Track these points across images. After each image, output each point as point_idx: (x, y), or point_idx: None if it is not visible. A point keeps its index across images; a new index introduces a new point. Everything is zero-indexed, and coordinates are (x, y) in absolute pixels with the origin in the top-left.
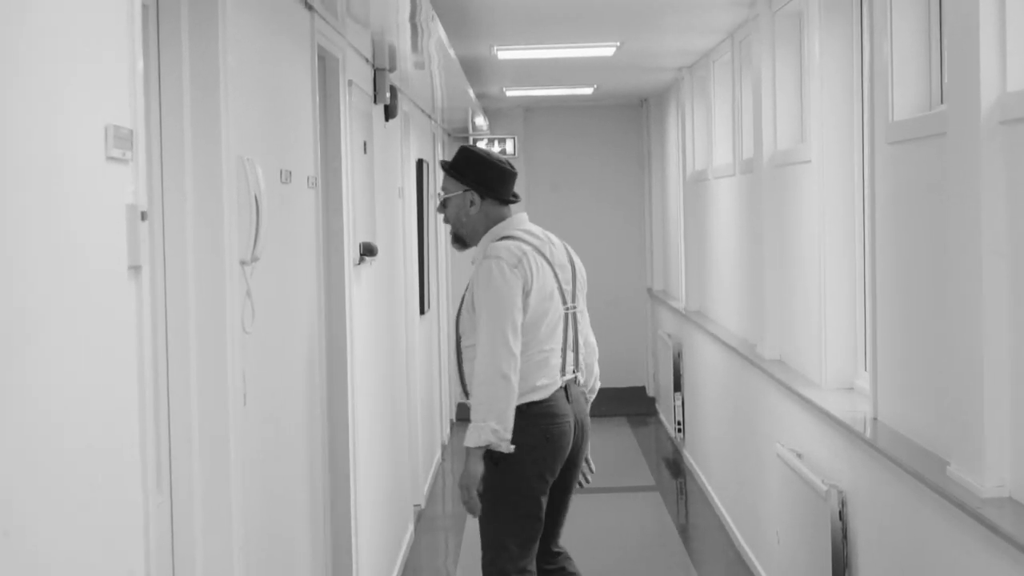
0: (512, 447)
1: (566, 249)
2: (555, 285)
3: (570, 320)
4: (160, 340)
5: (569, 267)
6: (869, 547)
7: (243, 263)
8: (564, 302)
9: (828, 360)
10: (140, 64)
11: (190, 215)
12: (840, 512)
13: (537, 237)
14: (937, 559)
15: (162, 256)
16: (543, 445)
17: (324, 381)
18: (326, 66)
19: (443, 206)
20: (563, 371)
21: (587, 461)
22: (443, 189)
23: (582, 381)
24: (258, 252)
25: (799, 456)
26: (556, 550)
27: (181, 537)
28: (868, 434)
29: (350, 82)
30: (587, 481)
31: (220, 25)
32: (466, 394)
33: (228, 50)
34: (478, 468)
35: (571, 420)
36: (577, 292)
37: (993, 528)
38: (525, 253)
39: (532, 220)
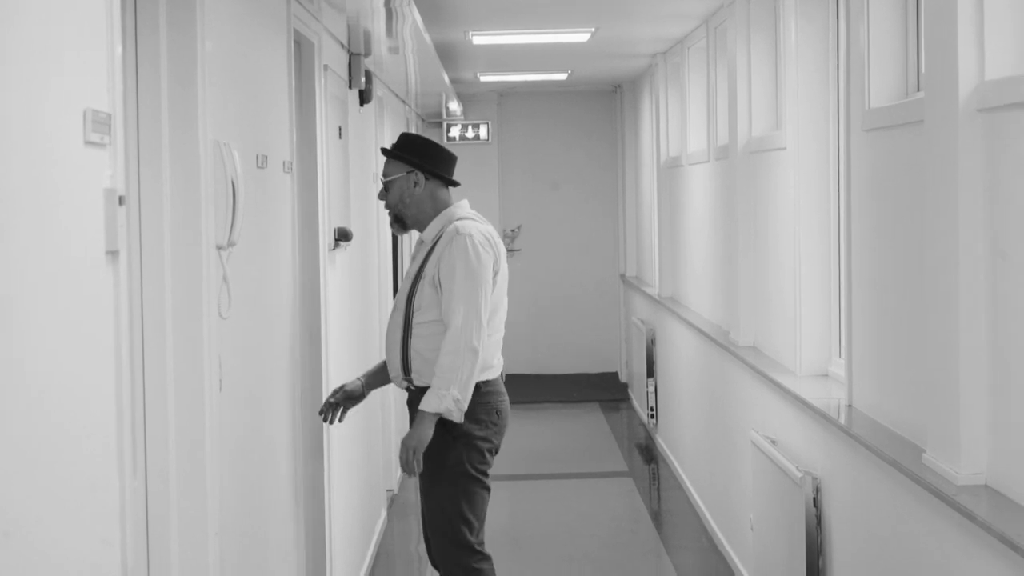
0: (462, 418)
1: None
2: (505, 271)
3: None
4: (136, 325)
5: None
6: (844, 534)
7: (220, 248)
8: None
9: (803, 347)
10: (119, 49)
11: (167, 200)
12: (814, 499)
13: (488, 222)
14: (912, 546)
15: (139, 241)
16: (496, 421)
17: (300, 366)
18: (302, 51)
19: (385, 190)
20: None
21: None
22: (384, 174)
23: None
24: (235, 237)
25: (773, 443)
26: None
27: (156, 521)
28: (843, 420)
29: (326, 67)
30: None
31: (198, 10)
32: (405, 370)
33: (205, 35)
34: (429, 433)
35: (506, 398)
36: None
37: (969, 515)
38: (492, 234)
39: (506, 205)
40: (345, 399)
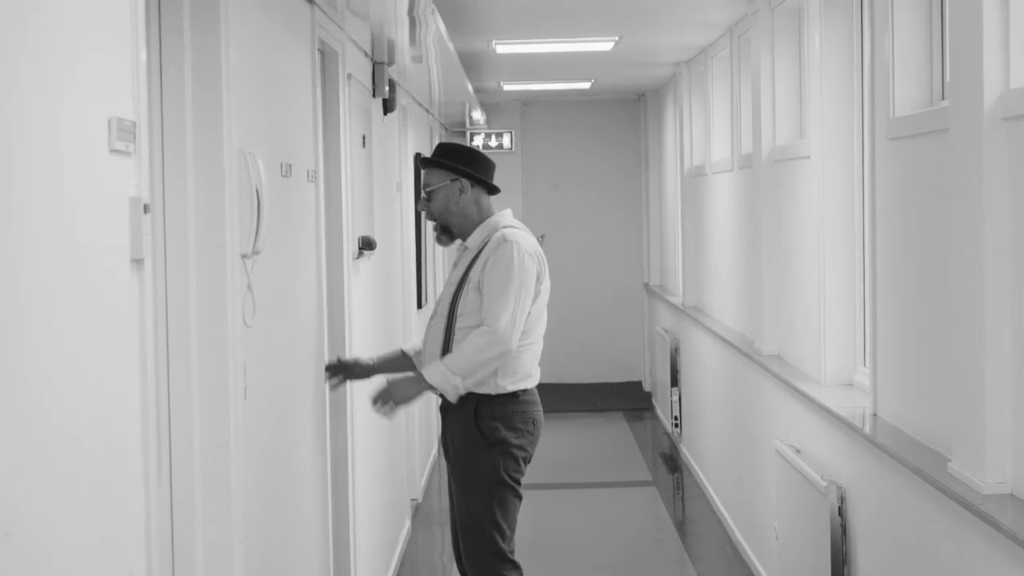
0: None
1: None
2: (548, 283)
3: None
4: (161, 334)
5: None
6: (869, 543)
7: (244, 257)
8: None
9: (827, 355)
10: (143, 56)
11: (192, 208)
12: (840, 508)
13: (530, 233)
14: (938, 555)
15: (163, 249)
16: (532, 430)
17: (324, 374)
18: (326, 59)
19: (428, 200)
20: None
21: None
22: (426, 184)
23: None
24: (259, 246)
25: (798, 452)
26: None
27: (181, 531)
28: (867, 430)
29: (349, 75)
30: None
31: (222, 18)
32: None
33: (230, 43)
34: (414, 396)
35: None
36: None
37: (995, 524)
38: (536, 246)
39: (530, 214)
40: (353, 365)
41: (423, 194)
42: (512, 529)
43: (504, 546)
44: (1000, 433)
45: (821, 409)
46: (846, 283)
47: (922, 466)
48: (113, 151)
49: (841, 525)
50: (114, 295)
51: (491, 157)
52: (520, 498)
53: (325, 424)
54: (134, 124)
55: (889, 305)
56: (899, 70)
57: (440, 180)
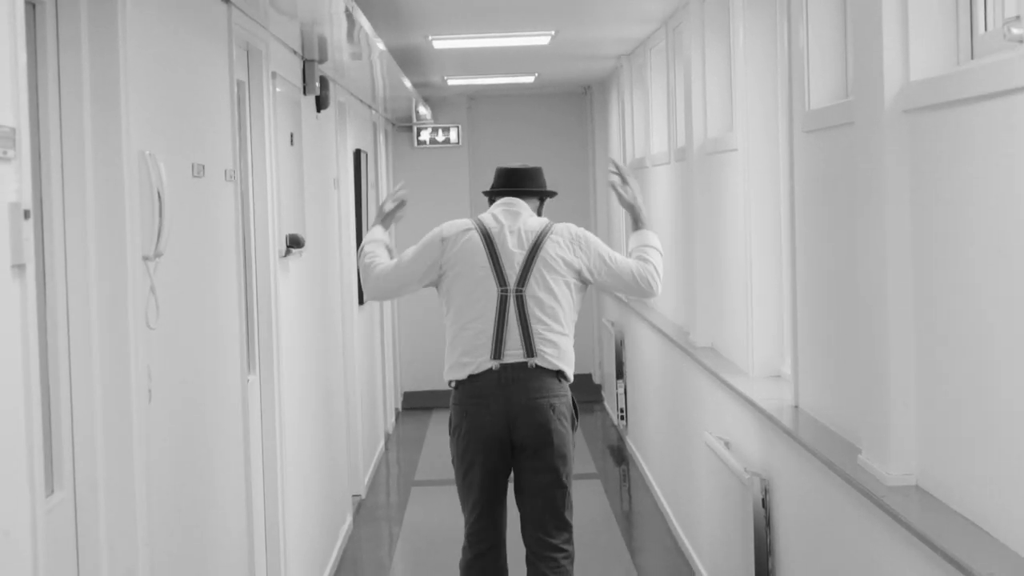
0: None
1: (536, 238)
2: (486, 267)
3: (511, 302)
4: (62, 337)
5: (523, 252)
6: (790, 534)
7: (146, 259)
8: (502, 284)
9: (755, 348)
10: (23, 60)
11: (91, 212)
12: (763, 499)
13: (496, 220)
14: (850, 547)
15: (63, 253)
16: (462, 424)
17: (245, 373)
18: (250, 58)
19: None
20: (496, 354)
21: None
22: None
23: (538, 365)
24: (162, 247)
25: (727, 444)
26: (548, 553)
27: (85, 533)
28: (787, 422)
29: (274, 74)
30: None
31: (120, 20)
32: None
33: (129, 46)
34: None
35: (494, 404)
36: (536, 275)
37: (895, 516)
38: (464, 231)
39: (477, 208)
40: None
41: None
42: (468, 513)
43: (465, 527)
44: (905, 424)
45: (747, 401)
46: (773, 275)
47: (834, 458)
48: None
49: (765, 516)
50: None
51: (431, 153)
52: (472, 486)
53: (249, 422)
54: (13, 130)
55: (807, 297)
56: (814, 63)
57: None
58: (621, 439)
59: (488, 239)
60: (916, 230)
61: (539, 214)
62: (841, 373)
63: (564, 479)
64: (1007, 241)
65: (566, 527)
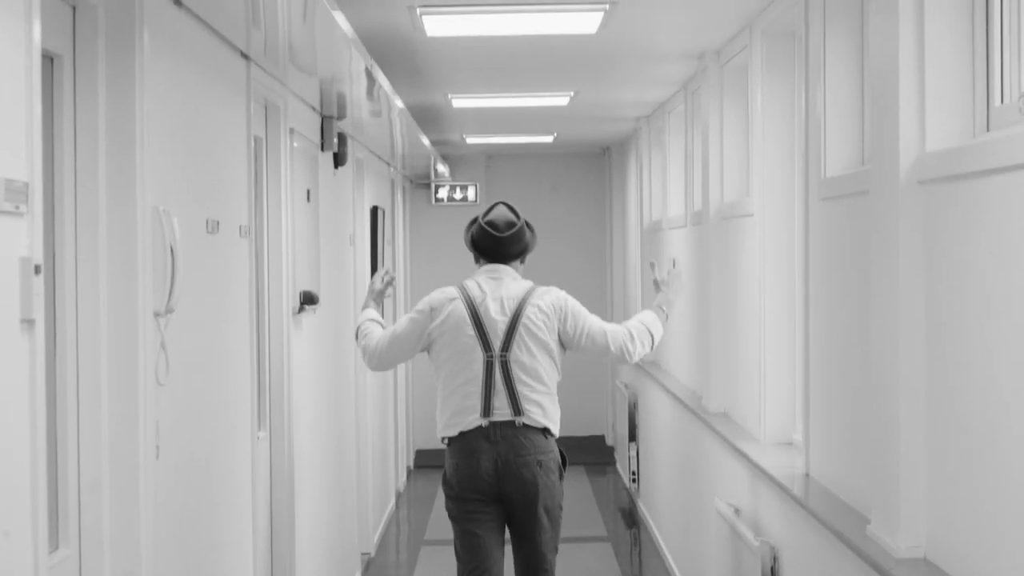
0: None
1: (519, 304)
2: (472, 335)
3: (497, 367)
4: (71, 391)
5: (506, 320)
6: None
7: (157, 315)
8: (487, 349)
9: (767, 414)
10: (38, 113)
11: (103, 266)
12: (772, 568)
13: (480, 288)
14: None
15: (75, 309)
16: (452, 476)
17: (256, 430)
18: (268, 114)
19: None
20: (485, 412)
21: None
22: None
23: (525, 423)
24: (173, 303)
25: (737, 511)
26: None
27: None
28: (797, 490)
29: (291, 130)
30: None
31: (137, 75)
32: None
33: (146, 100)
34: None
35: (484, 458)
36: (518, 344)
37: None
38: (450, 300)
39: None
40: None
41: None
42: (462, 562)
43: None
44: (914, 497)
45: (757, 468)
46: (786, 342)
47: (843, 529)
48: (1, 212)
49: None
50: (3, 355)
51: (448, 211)
52: (465, 533)
53: (257, 479)
54: (26, 185)
55: (820, 365)
56: (831, 130)
57: None
58: (633, 502)
59: (472, 308)
60: (929, 302)
61: (522, 262)
62: (852, 442)
63: (549, 525)
64: (1020, 315)
65: (548, 563)
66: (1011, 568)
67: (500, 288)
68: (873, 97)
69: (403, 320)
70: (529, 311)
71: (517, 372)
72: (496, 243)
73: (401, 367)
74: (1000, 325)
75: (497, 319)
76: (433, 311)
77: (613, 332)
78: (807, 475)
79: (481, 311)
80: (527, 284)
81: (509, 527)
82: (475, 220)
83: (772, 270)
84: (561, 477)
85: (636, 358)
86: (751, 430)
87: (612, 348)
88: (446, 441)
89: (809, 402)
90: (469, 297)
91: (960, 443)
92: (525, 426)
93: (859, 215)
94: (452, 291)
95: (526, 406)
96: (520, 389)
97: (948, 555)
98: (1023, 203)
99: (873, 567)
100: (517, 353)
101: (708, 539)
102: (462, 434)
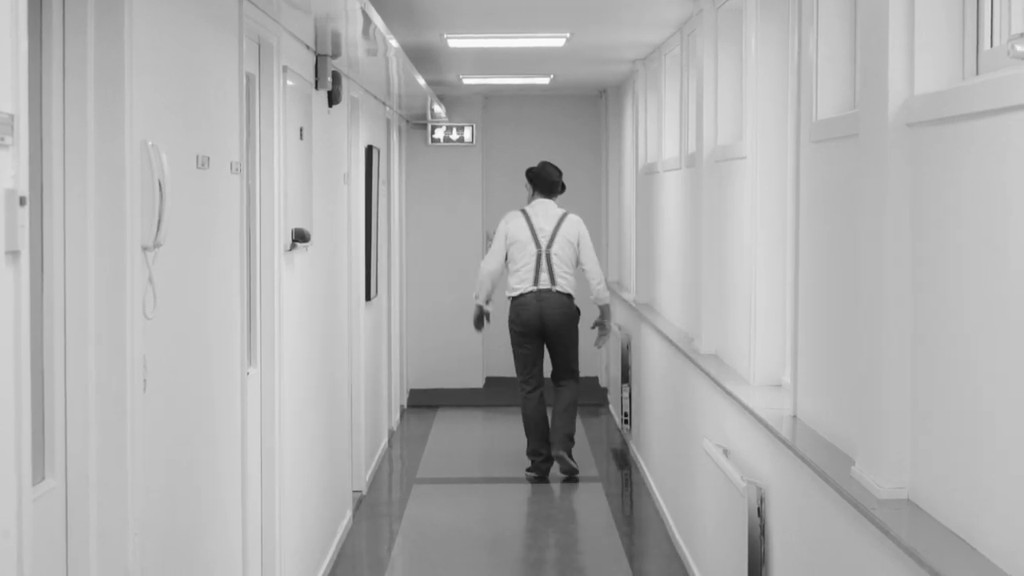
0: (483, 303)
1: (557, 222)
2: (529, 237)
3: (542, 257)
4: (58, 323)
5: (549, 230)
6: (784, 544)
7: (145, 249)
8: (537, 246)
9: (757, 356)
10: (23, 47)
11: (91, 200)
12: (759, 508)
13: (535, 212)
14: (842, 559)
15: (63, 241)
16: (515, 319)
17: (245, 366)
18: (261, 52)
19: None
20: (535, 282)
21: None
22: None
23: (557, 290)
24: (161, 238)
25: (725, 452)
26: (565, 379)
27: (75, 522)
28: (785, 432)
29: (285, 68)
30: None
31: (126, 9)
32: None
33: (135, 35)
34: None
35: (533, 307)
36: (556, 244)
37: (884, 530)
38: (514, 216)
39: (489, 207)
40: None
41: None
42: (520, 371)
43: (518, 377)
44: (899, 438)
45: (746, 410)
46: (777, 285)
47: (828, 469)
48: None
49: (761, 525)
50: None
51: (445, 151)
52: (520, 355)
53: (247, 414)
54: (12, 116)
55: (809, 307)
56: (823, 73)
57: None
58: (625, 443)
59: (529, 221)
60: (916, 244)
61: (557, 196)
62: (839, 384)
63: (571, 345)
64: (1003, 256)
65: (573, 373)
66: (989, 510)
67: (547, 209)
68: (863, 38)
69: (494, 237)
70: (562, 226)
71: (555, 260)
72: (543, 183)
73: (395, 306)
74: (983, 266)
75: (544, 227)
76: (507, 224)
77: (598, 271)
78: (795, 417)
79: (534, 222)
80: (561, 210)
81: (548, 349)
82: (531, 169)
83: (764, 213)
84: (576, 322)
85: (594, 294)
86: (741, 372)
87: (592, 277)
88: (510, 298)
89: (797, 344)
90: (527, 214)
91: (945, 385)
92: (557, 292)
93: (848, 157)
94: (517, 212)
95: (559, 280)
96: (556, 269)
97: (931, 496)
98: (1006, 146)
99: (856, 507)
100: (555, 249)
101: (697, 480)
102: (521, 294)
